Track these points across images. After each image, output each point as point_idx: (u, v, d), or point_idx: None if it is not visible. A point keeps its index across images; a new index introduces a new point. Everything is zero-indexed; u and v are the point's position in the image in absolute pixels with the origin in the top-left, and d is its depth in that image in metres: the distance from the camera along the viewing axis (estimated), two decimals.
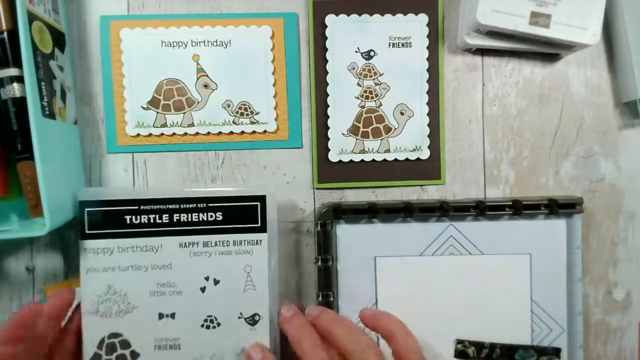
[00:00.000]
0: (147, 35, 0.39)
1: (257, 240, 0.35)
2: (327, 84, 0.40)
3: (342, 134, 0.40)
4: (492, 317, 0.40)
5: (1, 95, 0.34)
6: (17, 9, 0.31)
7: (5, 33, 0.33)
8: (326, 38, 0.40)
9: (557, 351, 0.40)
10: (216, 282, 0.35)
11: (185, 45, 0.40)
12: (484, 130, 0.41)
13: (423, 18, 0.40)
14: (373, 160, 0.41)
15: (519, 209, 0.39)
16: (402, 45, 0.40)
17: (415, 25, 0.40)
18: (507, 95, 0.41)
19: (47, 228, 0.33)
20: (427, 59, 0.40)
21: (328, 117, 0.40)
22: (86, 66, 0.40)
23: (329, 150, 0.40)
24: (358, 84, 0.40)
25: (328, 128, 0.40)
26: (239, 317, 0.35)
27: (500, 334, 0.40)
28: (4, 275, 0.40)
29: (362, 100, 0.40)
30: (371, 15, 0.40)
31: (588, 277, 0.42)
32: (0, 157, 0.36)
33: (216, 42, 0.40)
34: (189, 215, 0.34)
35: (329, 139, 0.40)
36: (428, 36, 0.40)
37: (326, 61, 0.40)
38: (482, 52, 0.41)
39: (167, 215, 0.34)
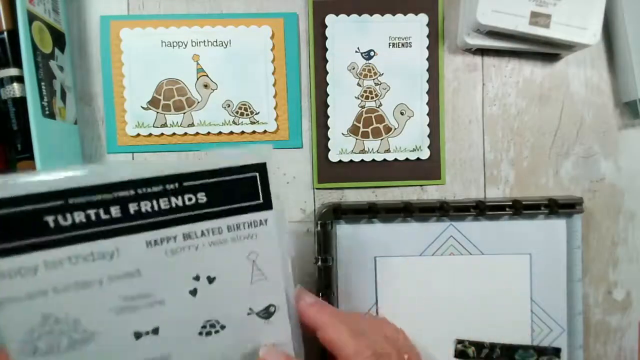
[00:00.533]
0: (147, 35, 0.39)
1: (260, 221, 0.27)
2: (327, 84, 0.40)
3: (342, 134, 0.40)
4: (492, 317, 0.40)
5: (1, 95, 0.34)
6: (17, 9, 0.31)
7: (5, 33, 0.33)
8: (326, 38, 0.40)
9: (557, 351, 0.40)
10: (211, 280, 0.27)
11: (185, 45, 0.40)
12: (484, 130, 0.41)
13: (423, 18, 0.40)
14: (373, 160, 0.41)
15: (519, 209, 0.39)
16: (402, 45, 0.40)
17: (415, 25, 0.40)
18: (507, 95, 0.41)
19: None
20: (427, 59, 0.40)
21: (328, 117, 0.40)
22: (86, 66, 0.40)
23: (329, 150, 0.40)
24: (358, 84, 0.40)
25: (328, 128, 0.40)
26: (249, 313, 0.28)
27: (500, 334, 0.40)
28: None
29: (362, 100, 0.40)
30: (371, 15, 0.40)
31: (588, 277, 0.42)
32: (0, 157, 0.36)
33: (216, 42, 0.40)
34: (154, 202, 0.24)
35: (329, 139, 0.40)
36: (428, 36, 0.40)
37: (326, 61, 0.40)
38: (482, 52, 0.41)
39: (117, 207, 0.24)
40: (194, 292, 0.27)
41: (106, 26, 0.40)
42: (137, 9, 0.40)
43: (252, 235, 0.27)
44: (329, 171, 0.41)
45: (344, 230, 0.40)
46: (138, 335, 0.26)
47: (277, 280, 0.28)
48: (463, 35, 0.39)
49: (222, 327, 0.28)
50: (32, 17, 0.33)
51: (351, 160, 0.40)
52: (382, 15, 0.40)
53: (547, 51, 0.39)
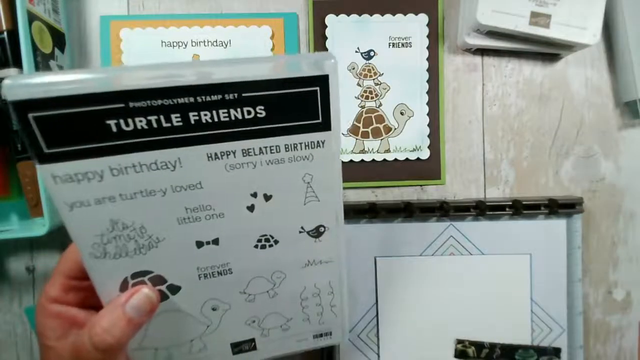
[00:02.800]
0: (147, 35, 0.39)
1: (318, 142, 0.26)
2: None
3: (342, 134, 0.40)
4: (492, 317, 0.40)
5: (1, 95, 0.34)
6: (17, 9, 0.31)
7: (5, 33, 0.33)
8: (326, 38, 0.40)
9: (557, 351, 0.40)
10: (267, 197, 0.27)
11: (185, 45, 0.40)
12: (484, 130, 0.41)
13: (423, 18, 0.40)
14: (373, 160, 0.41)
15: (519, 209, 0.39)
16: (402, 45, 0.40)
17: (415, 25, 0.40)
18: (507, 95, 0.41)
19: (47, 228, 0.33)
20: (427, 59, 0.40)
21: None
22: (86, 66, 0.40)
23: None
24: (358, 84, 0.40)
25: None
26: (301, 232, 0.29)
27: (500, 334, 0.40)
28: (4, 275, 0.40)
29: (362, 100, 0.40)
30: (371, 15, 0.40)
31: (588, 277, 0.42)
32: (0, 157, 0.37)
33: (216, 42, 0.40)
34: (213, 113, 0.24)
35: None
36: (428, 36, 0.40)
37: None
38: (482, 52, 0.41)
39: (177, 114, 0.23)
40: (251, 208, 0.27)
41: (106, 26, 0.40)
42: (137, 9, 0.40)
43: (309, 156, 0.27)
44: None
45: None
46: (200, 244, 0.27)
47: (328, 203, 0.29)
48: (463, 35, 0.39)
49: (276, 242, 0.29)
50: (32, 17, 0.33)
51: (351, 160, 0.40)
52: (382, 15, 0.40)
53: (547, 51, 0.39)
